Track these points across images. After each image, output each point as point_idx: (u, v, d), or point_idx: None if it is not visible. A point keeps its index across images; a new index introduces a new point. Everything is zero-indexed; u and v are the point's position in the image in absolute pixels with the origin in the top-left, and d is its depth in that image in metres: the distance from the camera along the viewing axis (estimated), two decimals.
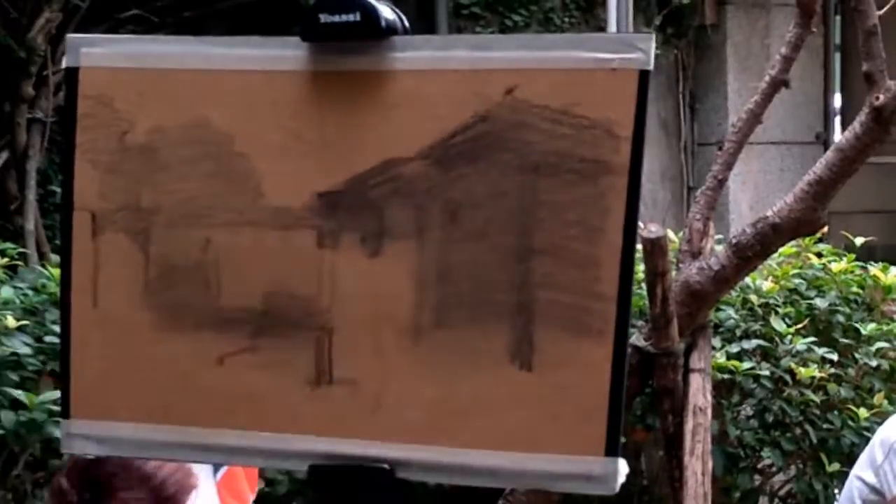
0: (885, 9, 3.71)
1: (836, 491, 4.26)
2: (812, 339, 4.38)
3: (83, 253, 1.08)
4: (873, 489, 3.68)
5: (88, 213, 1.08)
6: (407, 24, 1.02)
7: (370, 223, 1.02)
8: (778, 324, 4.38)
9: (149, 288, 1.07)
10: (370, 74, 1.02)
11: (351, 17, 1.01)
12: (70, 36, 1.09)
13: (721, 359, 4.25)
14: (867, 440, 3.98)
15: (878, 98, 3.28)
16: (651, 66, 0.98)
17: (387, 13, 1.01)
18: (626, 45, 0.98)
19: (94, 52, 1.08)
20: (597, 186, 0.99)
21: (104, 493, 2.21)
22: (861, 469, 3.75)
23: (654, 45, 0.98)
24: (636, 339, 3.53)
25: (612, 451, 0.99)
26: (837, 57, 7.84)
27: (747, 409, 4.51)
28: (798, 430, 4.44)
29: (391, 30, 1.02)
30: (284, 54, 1.04)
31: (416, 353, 1.00)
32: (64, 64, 1.10)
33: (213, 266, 1.06)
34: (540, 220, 0.99)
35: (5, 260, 3.95)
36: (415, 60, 1.02)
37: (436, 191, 1.01)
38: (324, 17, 1.02)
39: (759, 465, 4.58)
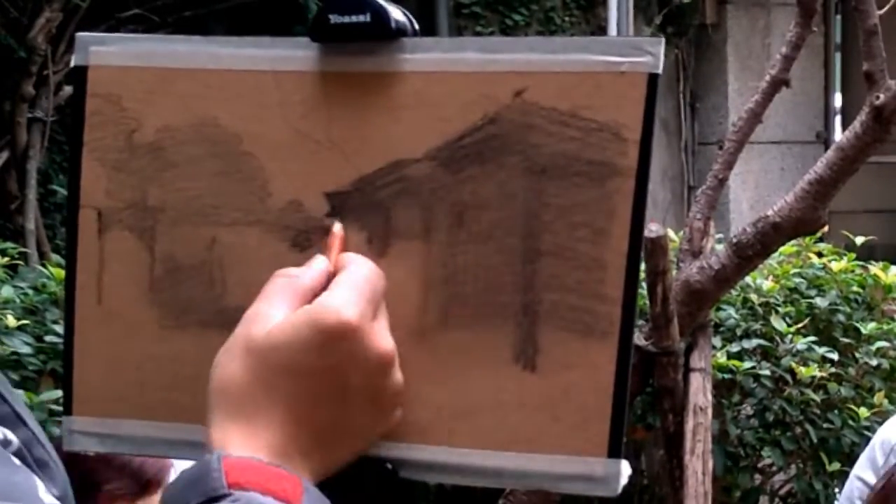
0: (886, 8, 3.71)
1: (836, 490, 4.26)
2: (812, 338, 4.39)
3: (88, 250, 1.08)
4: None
5: (94, 211, 1.08)
6: (416, 25, 1.02)
7: (377, 224, 1.02)
8: (778, 323, 4.39)
9: (154, 286, 1.07)
10: (379, 75, 1.02)
11: (361, 18, 1.01)
12: (79, 35, 1.09)
13: (721, 358, 4.26)
14: (868, 439, 3.98)
15: (878, 97, 3.29)
16: (660, 70, 0.97)
17: (397, 15, 1.01)
18: (636, 49, 0.98)
19: (103, 50, 1.08)
20: (604, 189, 0.98)
21: (88, 489, 2.21)
22: (861, 470, 3.75)
23: (663, 48, 0.98)
24: (637, 338, 3.54)
25: (614, 452, 0.99)
26: (838, 56, 7.85)
27: (748, 409, 4.51)
28: (798, 430, 4.45)
29: (401, 31, 1.01)
30: (294, 55, 1.04)
31: (420, 353, 1.00)
32: (72, 62, 1.09)
33: (219, 265, 1.06)
34: (547, 223, 0.99)
35: (6, 259, 3.95)
36: (424, 62, 1.02)
37: (443, 192, 1.01)
38: (334, 18, 1.02)
39: (760, 465, 4.59)
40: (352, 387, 0.93)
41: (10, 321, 3.52)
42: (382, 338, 0.94)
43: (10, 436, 0.85)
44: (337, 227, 1.02)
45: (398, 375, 0.96)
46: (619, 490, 0.99)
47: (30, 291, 3.81)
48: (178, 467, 2.44)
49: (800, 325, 4.42)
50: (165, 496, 0.88)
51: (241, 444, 0.90)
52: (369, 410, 0.95)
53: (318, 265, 0.98)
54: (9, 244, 4.19)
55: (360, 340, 0.93)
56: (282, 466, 0.88)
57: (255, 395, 0.92)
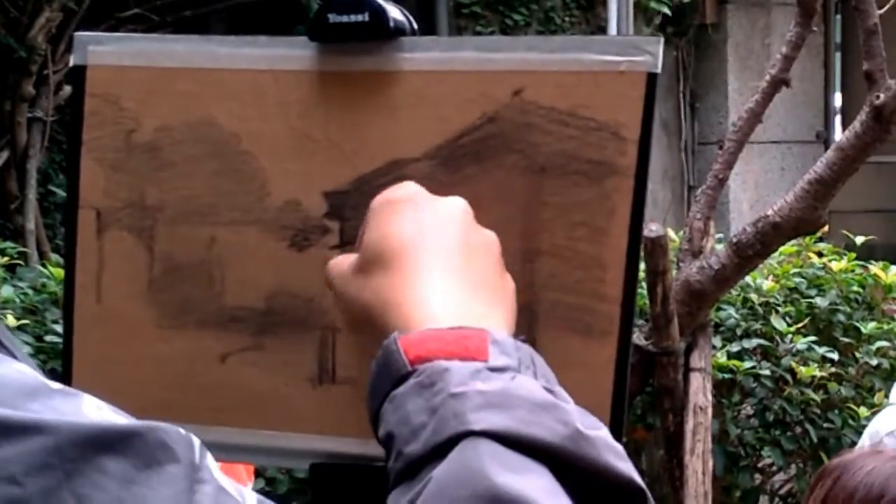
0: (886, 8, 3.71)
1: None
2: (812, 338, 4.38)
3: (87, 250, 1.08)
4: None
5: (93, 211, 1.08)
6: (415, 25, 1.02)
7: None
8: (778, 323, 4.39)
9: (152, 285, 1.07)
10: (378, 75, 1.02)
11: (359, 18, 1.01)
12: (77, 34, 1.09)
13: (721, 358, 4.26)
14: None
15: (878, 97, 3.29)
16: (659, 69, 0.97)
17: (395, 14, 1.01)
18: (635, 48, 0.98)
19: (101, 50, 1.08)
20: (602, 188, 0.98)
21: None
22: None
23: (661, 47, 0.98)
24: (637, 338, 3.54)
25: None
26: (838, 56, 7.85)
27: (748, 409, 4.51)
28: (798, 430, 4.44)
29: (399, 30, 1.01)
30: (292, 54, 1.04)
31: None
32: (71, 62, 1.09)
33: (217, 264, 1.06)
34: (545, 222, 0.99)
35: (5, 259, 3.95)
36: (422, 61, 1.01)
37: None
38: (332, 18, 1.01)
39: (760, 464, 4.59)
40: (461, 243, 0.92)
41: (10, 321, 3.52)
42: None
43: None
44: None
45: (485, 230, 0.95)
46: None
47: (30, 291, 3.81)
48: None
49: (800, 325, 4.42)
50: (368, 390, 0.86)
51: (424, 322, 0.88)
52: (491, 264, 0.93)
53: None
54: (9, 244, 4.19)
55: (430, 200, 0.93)
56: (462, 327, 0.85)
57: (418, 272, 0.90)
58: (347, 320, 0.97)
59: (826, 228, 3.75)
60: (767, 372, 4.33)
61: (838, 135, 6.26)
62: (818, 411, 4.42)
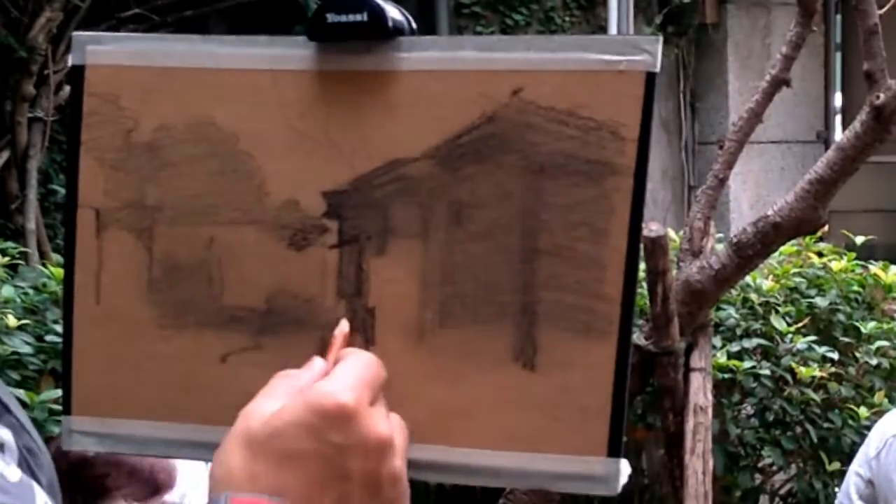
0: (886, 8, 3.71)
1: (836, 490, 4.27)
2: (812, 337, 4.39)
3: (86, 250, 1.08)
4: (868, 482, 3.71)
5: (92, 211, 1.08)
6: (414, 24, 1.02)
7: (375, 223, 1.02)
8: (778, 322, 4.39)
9: (152, 285, 1.07)
10: (377, 74, 1.02)
11: (358, 17, 1.01)
12: (76, 34, 1.09)
13: (721, 358, 4.26)
14: None
15: (878, 97, 3.28)
16: (658, 69, 0.98)
17: (394, 13, 1.01)
18: (634, 47, 0.98)
19: (101, 49, 1.08)
20: (602, 188, 0.99)
21: (98, 494, 2.21)
22: (857, 464, 3.77)
23: (661, 47, 0.98)
24: (637, 338, 3.53)
25: (614, 451, 0.99)
26: (838, 56, 7.84)
27: (748, 408, 4.51)
28: (798, 429, 4.45)
29: (398, 30, 1.01)
30: (291, 54, 1.04)
31: (419, 352, 1.00)
32: (70, 62, 1.09)
33: (217, 264, 1.06)
34: (545, 221, 0.99)
35: (6, 259, 3.94)
36: (421, 61, 1.02)
37: (441, 191, 1.01)
38: (331, 17, 1.02)
39: (760, 464, 4.59)
40: (351, 471, 0.92)
41: (11, 321, 3.52)
42: (379, 422, 0.93)
43: (2, 434, 0.84)
44: (340, 329, 1.01)
45: (397, 463, 0.94)
46: (619, 489, 0.99)
47: (30, 291, 3.80)
48: (183, 471, 2.45)
49: (800, 325, 4.43)
50: None
51: None
52: (368, 499, 0.94)
53: (317, 366, 0.98)
54: (9, 244, 4.18)
55: (357, 423, 0.92)
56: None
57: (260, 485, 0.91)
58: None
59: (826, 228, 3.75)
60: (767, 372, 4.33)
61: (838, 135, 6.26)
62: (818, 411, 4.42)
